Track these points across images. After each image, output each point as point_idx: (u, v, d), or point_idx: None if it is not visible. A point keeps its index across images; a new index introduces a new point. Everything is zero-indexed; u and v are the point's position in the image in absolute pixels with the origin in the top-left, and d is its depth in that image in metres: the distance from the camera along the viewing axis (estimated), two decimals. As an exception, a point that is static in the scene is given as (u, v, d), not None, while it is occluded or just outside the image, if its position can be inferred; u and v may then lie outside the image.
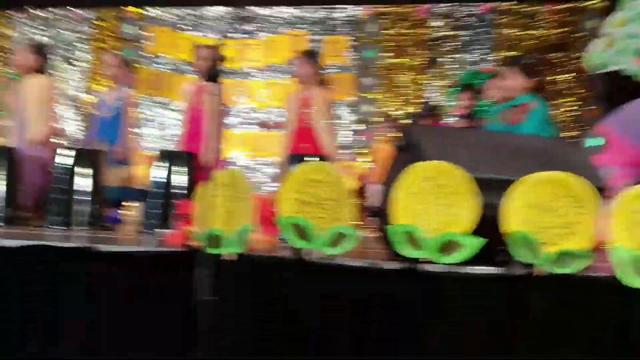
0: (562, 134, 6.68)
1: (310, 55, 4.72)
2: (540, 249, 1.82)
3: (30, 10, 8.04)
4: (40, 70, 4.66)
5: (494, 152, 2.07)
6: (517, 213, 1.87)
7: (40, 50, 4.72)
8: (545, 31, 6.80)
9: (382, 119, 6.84)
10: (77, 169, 3.89)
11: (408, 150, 2.15)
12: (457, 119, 5.98)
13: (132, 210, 6.20)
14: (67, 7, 7.99)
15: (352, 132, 7.13)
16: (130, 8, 7.86)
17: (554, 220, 1.85)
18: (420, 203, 1.94)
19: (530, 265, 1.85)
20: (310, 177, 2.02)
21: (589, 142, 6.03)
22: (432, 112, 6.08)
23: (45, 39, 7.96)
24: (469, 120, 5.55)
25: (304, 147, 4.58)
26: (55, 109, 4.79)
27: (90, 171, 3.91)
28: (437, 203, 1.93)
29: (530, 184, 1.86)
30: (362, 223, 6.84)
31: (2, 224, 3.89)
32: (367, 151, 6.91)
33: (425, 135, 2.07)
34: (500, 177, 1.99)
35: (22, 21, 8.03)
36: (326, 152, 4.58)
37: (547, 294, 1.81)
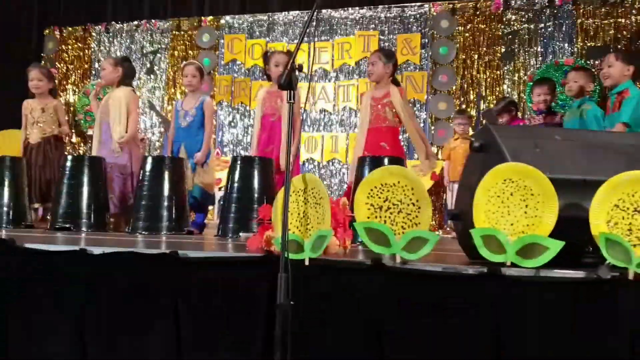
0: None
1: (385, 54, 4.70)
2: (633, 252, 1.74)
3: (113, 24, 8.43)
4: (124, 82, 4.89)
5: (580, 153, 1.99)
6: (605, 214, 1.79)
7: (123, 63, 4.95)
8: (629, 20, 6.47)
9: (457, 116, 6.70)
10: (160, 176, 4.05)
11: (485, 151, 2.10)
12: (534, 114, 5.79)
13: (214, 215, 6.40)
14: (147, 20, 8.33)
15: (427, 129, 7.03)
16: (207, 17, 8.10)
17: (645, 221, 1.77)
18: (501, 205, 1.90)
19: (620, 269, 1.77)
20: (385, 182, 2.02)
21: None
22: (508, 107, 5.91)
23: (126, 51, 8.33)
24: (547, 115, 5.36)
25: (382, 145, 4.55)
26: (138, 118, 5.02)
27: (173, 178, 4.06)
28: (518, 205, 1.88)
29: (617, 184, 1.78)
30: (440, 225, 6.79)
31: (89, 230, 4.10)
32: (442, 149, 6.79)
33: (504, 136, 2.02)
34: (585, 177, 1.91)
35: (103, 33, 8.41)
36: (419, 146, 4.66)
37: None
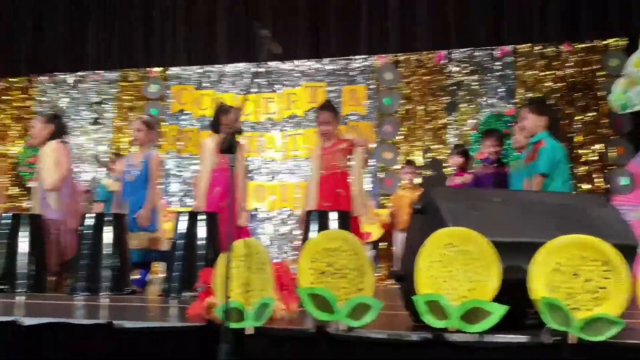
0: (587, 172, 6.58)
1: (336, 112, 4.74)
2: (572, 315, 1.75)
3: (56, 74, 8.28)
4: (53, 137, 4.75)
5: (517, 214, 2.02)
6: (544, 278, 1.81)
7: (54, 119, 4.84)
8: (567, 71, 6.76)
9: (402, 165, 6.80)
10: (100, 234, 3.93)
11: (426, 213, 2.11)
12: (478, 163, 5.92)
13: (157, 272, 6.22)
14: (93, 70, 8.23)
15: (373, 179, 7.10)
16: (154, 68, 8.06)
17: (583, 285, 1.79)
18: (443, 270, 1.90)
19: (560, 332, 1.78)
20: (327, 246, 1.99)
21: (618, 181, 5.94)
22: (461, 153, 6.02)
23: (71, 101, 8.18)
24: (494, 166, 5.49)
25: (338, 192, 4.53)
26: (70, 167, 4.85)
27: (114, 235, 3.94)
28: (461, 270, 1.88)
29: (556, 248, 1.80)
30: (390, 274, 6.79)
31: (27, 291, 3.92)
32: (389, 198, 6.85)
33: (444, 198, 2.03)
34: (525, 240, 1.93)
35: (47, 84, 8.26)
36: (357, 200, 4.61)
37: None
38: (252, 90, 7.55)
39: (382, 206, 7.09)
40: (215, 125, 4.73)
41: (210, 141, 4.72)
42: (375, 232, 6.86)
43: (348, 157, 4.58)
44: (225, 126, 4.53)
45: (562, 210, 2.05)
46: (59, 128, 4.83)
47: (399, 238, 6.51)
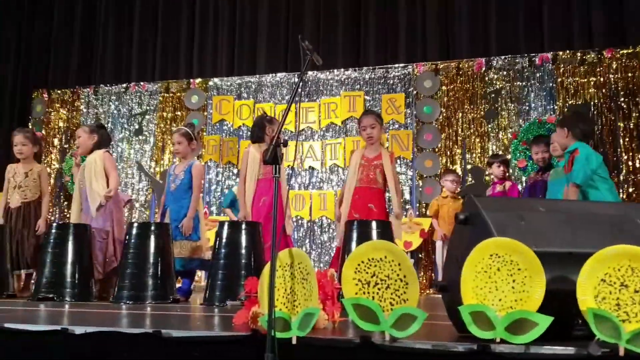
0: (631, 180, 6.43)
1: (381, 117, 4.85)
2: (622, 327, 1.72)
3: (102, 87, 8.51)
4: (99, 148, 4.89)
5: (564, 224, 1.99)
6: (592, 289, 1.78)
7: (99, 130, 4.99)
8: (609, 77, 6.63)
9: (442, 174, 6.76)
10: (145, 243, 4.01)
11: (471, 224, 2.10)
12: (522, 173, 5.85)
13: (200, 281, 6.31)
14: (135, 82, 8.43)
15: (413, 187, 7.07)
16: (196, 79, 8.22)
17: (632, 296, 1.76)
18: (488, 281, 1.89)
19: (609, 344, 1.75)
20: (372, 256, 2.00)
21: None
22: (502, 164, 5.98)
23: (114, 112, 8.38)
24: (543, 172, 5.41)
25: (369, 207, 4.58)
26: (118, 177, 5.01)
27: (158, 244, 4.02)
28: (506, 281, 1.87)
29: (604, 259, 1.78)
30: (430, 284, 6.74)
31: (73, 299, 4.02)
32: (430, 206, 6.81)
33: (490, 208, 2.02)
34: (571, 250, 1.91)
35: (92, 96, 8.49)
36: (395, 210, 4.67)
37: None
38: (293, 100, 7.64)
39: (422, 215, 7.06)
40: (258, 135, 4.79)
41: (254, 150, 4.78)
42: (415, 241, 6.83)
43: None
44: (268, 137, 4.61)
45: (610, 220, 2.02)
46: (103, 138, 4.97)
47: (440, 247, 6.47)
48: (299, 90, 2.36)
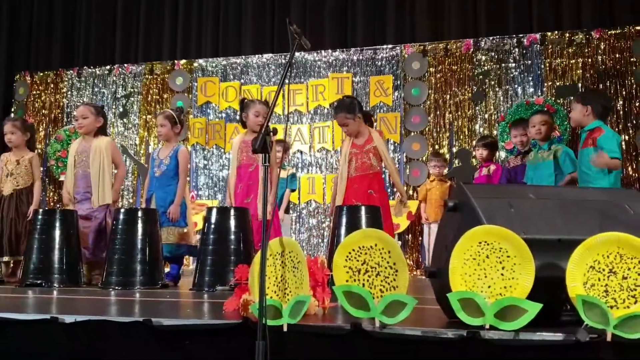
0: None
1: (347, 110, 4.66)
2: (610, 313, 1.74)
3: (85, 69, 8.39)
4: (103, 131, 4.84)
5: (553, 211, 2.00)
6: (581, 275, 1.80)
7: (102, 111, 4.91)
8: (597, 58, 6.64)
9: (430, 157, 6.76)
10: (132, 229, 3.99)
11: (460, 211, 2.11)
12: (508, 154, 5.87)
13: (190, 265, 6.30)
14: (119, 64, 8.33)
15: (401, 170, 7.07)
16: (180, 60, 8.12)
17: (620, 282, 1.78)
18: (477, 268, 1.90)
19: (597, 330, 1.77)
20: (363, 244, 2.01)
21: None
22: (489, 146, 6.00)
23: (98, 95, 8.28)
24: (522, 157, 5.44)
25: (369, 192, 4.57)
26: (124, 173, 5.02)
27: (146, 230, 4.00)
28: (495, 268, 1.88)
29: (593, 246, 1.79)
30: (417, 265, 6.79)
31: (61, 285, 4.00)
32: (418, 189, 6.82)
33: (478, 196, 2.03)
34: (560, 237, 1.92)
35: (75, 78, 8.37)
36: (398, 188, 4.77)
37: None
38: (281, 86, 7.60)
39: (409, 197, 7.07)
40: (242, 119, 4.74)
41: (237, 139, 4.74)
42: (402, 223, 6.86)
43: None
44: (259, 116, 4.56)
45: (599, 206, 2.03)
46: (106, 122, 4.93)
47: (428, 230, 6.50)
48: (287, 75, 2.33)
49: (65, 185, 4.83)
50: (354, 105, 4.74)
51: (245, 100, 4.82)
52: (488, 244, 1.89)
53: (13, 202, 4.94)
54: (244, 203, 4.43)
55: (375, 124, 6.75)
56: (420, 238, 6.92)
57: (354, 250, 2.01)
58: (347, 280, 2.00)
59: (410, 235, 7.05)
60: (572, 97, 6.03)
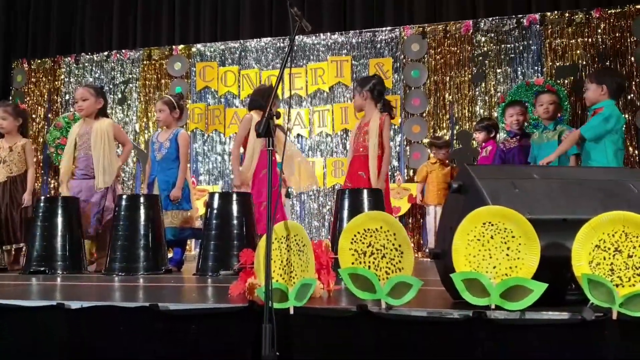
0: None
1: (359, 83, 4.81)
2: (616, 291, 1.74)
3: (83, 55, 8.35)
4: (103, 112, 4.82)
5: (558, 191, 2.00)
6: (587, 255, 1.80)
7: (102, 92, 4.88)
8: (597, 38, 6.60)
9: (434, 141, 6.75)
10: (135, 215, 3.99)
11: (464, 192, 2.11)
12: (507, 135, 5.87)
13: (192, 250, 6.32)
14: (117, 50, 8.28)
15: (402, 152, 7.07)
16: (178, 46, 8.08)
17: (626, 261, 1.78)
18: (481, 249, 1.90)
19: (603, 309, 1.78)
20: (368, 227, 2.01)
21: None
22: (488, 127, 5.98)
23: (96, 82, 8.25)
24: (522, 137, 5.43)
25: (360, 174, 4.59)
26: (129, 152, 5.02)
27: (149, 216, 4.00)
28: (500, 248, 1.89)
29: (599, 225, 1.79)
30: (418, 247, 6.80)
31: (64, 272, 4.01)
32: (418, 171, 6.82)
33: (483, 177, 2.02)
34: (565, 216, 1.92)
35: (73, 65, 8.32)
36: (371, 177, 4.55)
37: (626, 340, 1.74)
38: (278, 66, 7.59)
39: (410, 180, 7.09)
40: (261, 104, 4.69)
41: (257, 117, 4.67)
42: (403, 206, 6.87)
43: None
44: (262, 97, 4.58)
45: (603, 186, 2.03)
46: (106, 103, 4.90)
47: (430, 212, 6.51)
48: (289, 59, 2.31)
49: (62, 166, 4.80)
50: (367, 81, 4.82)
51: (263, 86, 4.87)
52: (492, 225, 1.89)
53: (7, 189, 4.91)
54: (260, 177, 4.48)
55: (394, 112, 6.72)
56: (421, 220, 6.93)
57: (359, 232, 2.01)
58: (352, 263, 2.01)
59: (411, 218, 7.06)
60: (572, 77, 6.02)
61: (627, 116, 6.42)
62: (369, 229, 2.00)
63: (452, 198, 2.24)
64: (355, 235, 2.01)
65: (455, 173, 6.30)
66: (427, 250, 6.13)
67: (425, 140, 7.07)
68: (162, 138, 4.83)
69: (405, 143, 7.21)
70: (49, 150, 8.18)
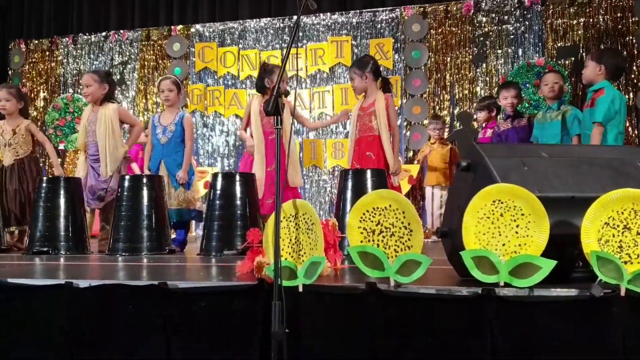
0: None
1: (358, 66, 4.72)
2: (624, 268, 1.76)
3: (81, 36, 8.28)
4: (109, 97, 4.80)
5: (566, 169, 2.01)
6: (596, 232, 1.81)
7: (108, 78, 4.82)
8: (598, 18, 6.57)
9: (430, 120, 6.74)
10: (138, 195, 3.98)
11: (473, 170, 2.11)
12: (502, 116, 5.86)
13: (193, 232, 6.33)
14: (115, 30, 8.21)
15: (402, 133, 7.06)
16: (177, 26, 8.02)
17: (635, 238, 1.79)
18: (491, 227, 1.91)
19: (611, 285, 1.79)
20: (377, 205, 2.01)
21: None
22: (490, 106, 5.95)
23: (94, 62, 8.19)
24: (515, 119, 5.42)
25: (368, 155, 4.58)
26: (140, 132, 4.99)
27: (152, 196, 3.99)
28: (509, 226, 1.89)
29: (608, 202, 1.80)
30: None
31: (68, 252, 4.02)
32: (418, 152, 6.83)
33: (492, 155, 2.03)
34: (574, 194, 1.93)
35: (71, 45, 8.27)
36: (391, 168, 4.57)
37: (634, 316, 1.75)
38: (278, 47, 7.55)
39: (410, 161, 7.09)
40: (259, 86, 4.69)
41: (256, 103, 4.68)
42: (403, 187, 6.87)
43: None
44: (268, 88, 4.52)
45: (611, 164, 2.04)
46: (113, 87, 4.86)
47: (429, 193, 6.51)
48: (296, 36, 2.30)
49: (79, 147, 4.80)
50: (365, 63, 4.77)
51: (268, 66, 4.79)
52: (502, 202, 1.89)
53: (15, 172, 4.89)
54: (266, 172, 4.47)
55: (393, 92, 6.69)
56: (421, 202, 6.94)
57: (368, 211, 2.01)
58: (361, 241, 2.02)
59: (411, 199, 7.07)
60: (573, 58, 5.99)
61: (626, 97, 6.41)
62: (377, 207, 2.00)
63: (459, 177, 2.25)
64: (364, 214, 2.01)
65: (453, 154, 6.29)
66: (426, 230, 6.12)
67: (426, 121, 7.04)
68: (165, 121, 4.80)
69: (405, 124, 7.20)
70: (47, 131, 8.14)
